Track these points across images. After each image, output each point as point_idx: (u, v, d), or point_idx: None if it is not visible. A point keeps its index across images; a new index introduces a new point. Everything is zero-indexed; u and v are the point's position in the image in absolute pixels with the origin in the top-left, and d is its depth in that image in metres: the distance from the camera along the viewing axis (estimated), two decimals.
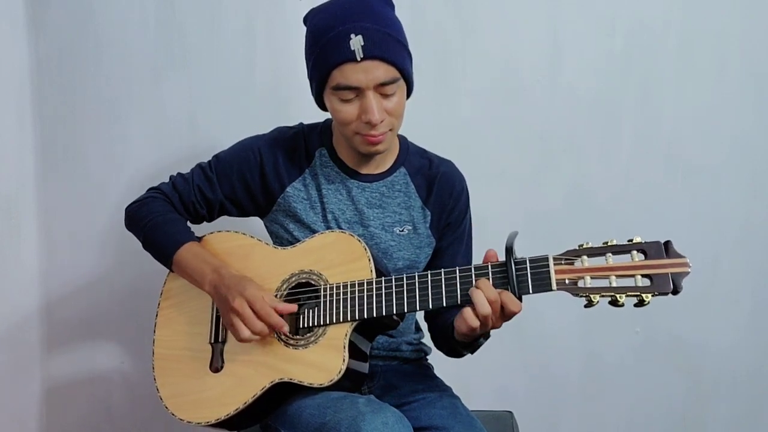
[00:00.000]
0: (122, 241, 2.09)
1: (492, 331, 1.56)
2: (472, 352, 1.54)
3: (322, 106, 1.55)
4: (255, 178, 1.61)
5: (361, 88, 1.43)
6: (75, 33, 2.14)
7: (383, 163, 1.63)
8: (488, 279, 1.34)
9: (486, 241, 1.70)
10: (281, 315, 1.43)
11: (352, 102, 1.46)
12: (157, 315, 1.63)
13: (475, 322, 1.33)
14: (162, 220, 1.60)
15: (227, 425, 1.52)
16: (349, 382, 1.43)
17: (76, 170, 2.18)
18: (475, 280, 1.35)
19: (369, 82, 1.43)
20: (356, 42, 1.41)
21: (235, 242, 1.60)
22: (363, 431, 1.26)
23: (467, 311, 1.33)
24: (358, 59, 1.41)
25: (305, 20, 1.54)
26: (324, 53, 1.44)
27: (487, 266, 1.36)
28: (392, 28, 1.46)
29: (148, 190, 1.68)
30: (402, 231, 1.60)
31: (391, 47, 1.44)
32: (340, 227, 1.58)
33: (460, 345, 1.50)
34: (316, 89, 1.51)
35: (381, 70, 1.43)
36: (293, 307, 1.45)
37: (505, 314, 1.34)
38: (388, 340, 1.64)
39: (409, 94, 1.54)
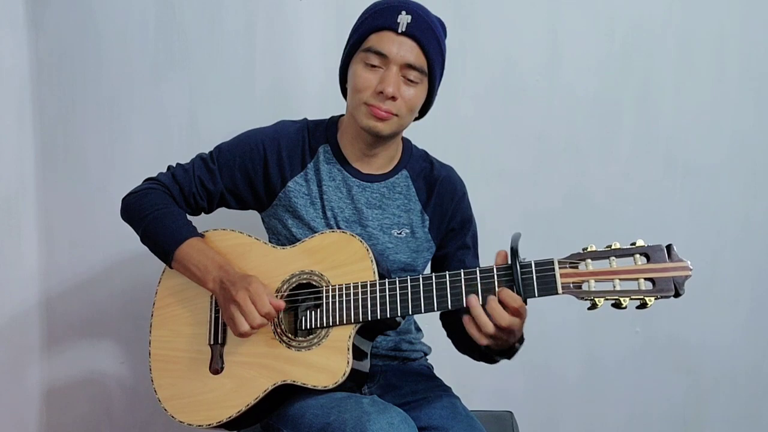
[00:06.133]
0: (122, 241, 2.10)
1: None
2: (509, 358, 1.48)
3: (342, 78, 1.58)
4: (258, 171, 1.60)
5: (389, 58, 1.48)
6: (75, 33, 2.14)
7: (386, 164, 1.63)
8: (494, 284, 1.34)
9: (484, 240, 1.71)
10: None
11: (374, 71, 1.49)
12: (152, 315, 1.61)
13: (484, 341, 1.33)
14: (162, 213, 1.57)
15: (228, 426, 1.51)
16: (351, 382, 1.43)
17: (76, 170, 2.18)
18: (488, 301, 1.33)
19: (398, 58, 1.48)
20: (404, 18, 1.48)
21: (233, 241, 1.58)
22: (369, 431, 1.26)
23: (471, 329, 1.33)
24: (399, 32, 1.47)
25: None
26: (369, 19, 1.52)
27: (492, 269, 1.36)
28: (439, 34, 1.54)
29: (146, 180, 1.65)
30: (400, 234, 1.60)
31: (431, 41, 1.51)
32: (338, 225, 1.57)
33: (494, 352, 1.46)
34: (347, 54, 1.55)
35: (414, 53, 1.49)
36: (281, 304, 1.43)
37: (515, 315, 1.32)
38: (388, 340, 1.63)
39: (425, 108, 1.59)
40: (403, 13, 1.48)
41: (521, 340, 1.44)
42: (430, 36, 1.50)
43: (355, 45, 1.52)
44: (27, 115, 2.15)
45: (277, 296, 1.49)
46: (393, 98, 1.48)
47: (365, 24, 1.52)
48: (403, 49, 1.48)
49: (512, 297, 1.31)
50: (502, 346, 1.40)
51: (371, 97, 1.49)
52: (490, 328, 1.31)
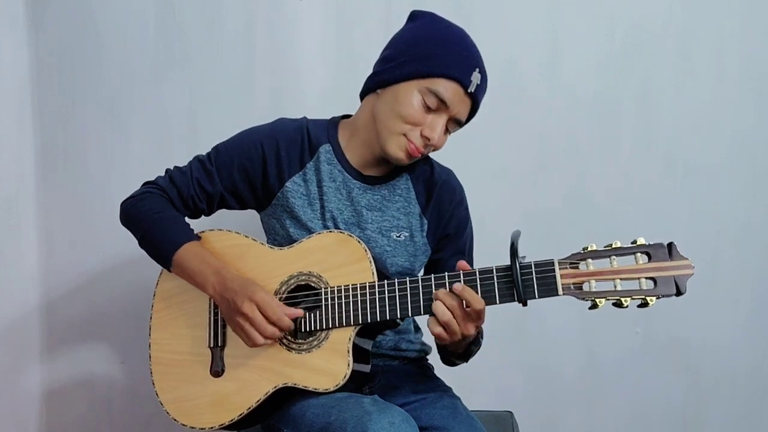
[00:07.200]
0: (122, 241, 2.08)
1: (492, 332, 1.56)
2: (465, 361, 1.55)
3: (380, 84, 1.52)
4: (256, 170, 1.58)
5: (448, 109, 1.48)
6: (75, 33, 2.14)
7: (387, 166, 1.61)
8: (494, 285, 1.34)
9: (484, 241, 1.71)
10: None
11: (427, 111, 1.48)
12: (151, 317, 1.61)
13: (437, 329, 1.35)
14: (160, 217, 1.55)
15: (230, 428, 1.51)
16: (352, 383, 1.43)
17: (76, 170, 2.18)
18: (436, 290, 1.36)
19: (455, 113, 1.49)
20: (476, 78, 1.49)
21: (230, 241, 1.56)
22: (370, 431, 1.26)
23: (430, 321, 1.35)
24: (468, 91, 1.48)
25: (415, 16, 1.57)
26: (445, 60, 1.47)
27: (492, 270, 1.35)
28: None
29: (144, 184, 1.64)
30: (399, 237, 1.58)
31: (481, 102, 1.54)
32: (337, 227, 1.56)
33: (452, 355, 1.51)
34: (404, 74, 1.49)
35: (467, 112, 1.52)
36: (299, 312, 1.44)
37: (471, 315, 1.35)
38: (388, 339, 1.62)
39: None
40: (476, 71, 1.48)
41: (477, 343, 1.49)
42: (483, 98, 1.53)
43: (419, 73, 1.47)
44: (27, 115, 2.15)
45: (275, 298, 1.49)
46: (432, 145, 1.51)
47: (439, 60, 1.47)
48: (463, 107, 1.49)
49: (475, 299, 1.33)
50: (456, 349, 1.45)
51: (414, 134, 1.48)
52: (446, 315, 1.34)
